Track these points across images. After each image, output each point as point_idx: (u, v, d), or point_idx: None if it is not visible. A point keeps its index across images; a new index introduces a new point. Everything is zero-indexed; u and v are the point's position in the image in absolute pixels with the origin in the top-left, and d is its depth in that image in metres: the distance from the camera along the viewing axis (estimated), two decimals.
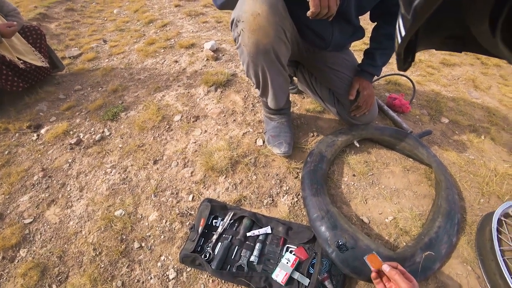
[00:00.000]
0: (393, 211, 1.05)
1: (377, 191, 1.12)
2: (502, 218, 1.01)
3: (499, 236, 0.98)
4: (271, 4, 0.79)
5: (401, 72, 1.87)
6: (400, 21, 0.33)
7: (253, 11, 0.79)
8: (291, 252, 0.90)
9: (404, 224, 1.01)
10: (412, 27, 0.31)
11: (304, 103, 1.55)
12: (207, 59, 2.05)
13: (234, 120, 1.46)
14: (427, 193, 1.13)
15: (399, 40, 0.34)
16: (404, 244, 0.95)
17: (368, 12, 1.13)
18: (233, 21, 0.87)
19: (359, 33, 1.18)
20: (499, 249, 0.89)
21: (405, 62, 0.40)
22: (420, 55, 2.31)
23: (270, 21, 0.81)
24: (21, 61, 1.75)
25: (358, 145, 1.26)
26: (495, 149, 1.40)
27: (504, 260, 0.89)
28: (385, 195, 1.11)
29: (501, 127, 1.58)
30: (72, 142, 1.45)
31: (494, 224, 0.95)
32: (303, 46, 1.15)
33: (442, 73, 2.08)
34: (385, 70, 2.00)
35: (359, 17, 1.09)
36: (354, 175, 1.17)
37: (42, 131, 1.58)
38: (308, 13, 0.74)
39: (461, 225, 1.02)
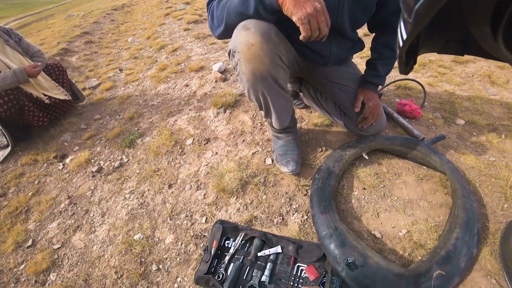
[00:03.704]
0: (407, 224, 1.03)
1: (389, 204, 1.10)
2: None
3: None
4: (264, 33, 0.83)
5: (410, 77, 1.84)
6: (402, 24, 0.33)
7: (247, 41, 0.83)
8: (301, 271, 0.90)
9: (419, 237, 0.98)
10: (414, 30, 0.31)
11: (311, 118, 1.56)
12: (216, 81, 2.13)
13: (243, 141, 1.50)
14: (443, 202, 1.10)
15: (401, 43, 0.35)
16: (419, 258, 0.92)
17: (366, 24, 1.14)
18: (230, 51, 0.92)
19: (358, 46, 1.19)
20: None
21: (407, 66, 0.39)
22: (430, 56, 2.26)
23: (264, 50, 0.84)
24: (46, 97, 1.90)
25: (367, 157, 1.25)
26: None
27: None
28: (398, 207, 1.09)
29: None
30: (94, 170, 1.54)
31: None
32: (303, 64, 1.17)
33: (454, 72, 2.02)
34: (393, 75, 1.97)
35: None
36: (364, 189, 1.16)
37: (67, 160, 1.69)
38: (300, 37, 0.77)
39: (482, 234, 0.97)
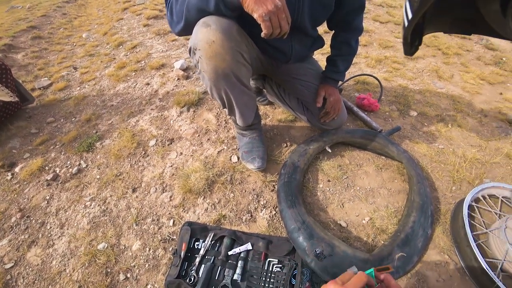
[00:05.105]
0: (369, 212, 1.09)
1: (352, 194, 1.16)
2: (473, 204, 1.06)
3: (472, 221, 1.04)
4: (225, 30, 0.82)
5: (367, 73, 1.94)
6: (407, 4, 0.33)
7: (208, 39, 0.81)
8: (273, 265, 0.92)
9: (380, 223, 1.05)
10: (420, 8, 0.30)
11: (276, 114, 1.58)
12: (178, 79, 2.06)
13: (208, 139, 1.47)
14: (401, 188, 1.18)
15: (406, 23, 0.34)
16: (382, 242, 0.99)
17: (325, 22, 1.17)
18: (190, 49, 0.89)
19: (318, 43, 1.23)
20: (472, 235, 0.94)
21: (412, 46, 0.39)
22: (385, 52, 2.40)
23: (225, 47, 0.83)
24: None
25: (330, 150, 1.30)
26: (462, 135, 1.48)
27: (477, 244, 0.94)
28: (361, 196, 1.15)
29: (466, 113, 1.67)
30: (49, 178, 1.42)
31: (465, 211, 1.00)
32: (266, 62, 1.18)
33: (407, 67, 2.17)
34: (352, 70, 2.07)
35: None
36: (329, 181, 1.21)
37: (16, 169, 1.54)
38: (262, 34, 0.77)
39: (435, 215, 1.07)
